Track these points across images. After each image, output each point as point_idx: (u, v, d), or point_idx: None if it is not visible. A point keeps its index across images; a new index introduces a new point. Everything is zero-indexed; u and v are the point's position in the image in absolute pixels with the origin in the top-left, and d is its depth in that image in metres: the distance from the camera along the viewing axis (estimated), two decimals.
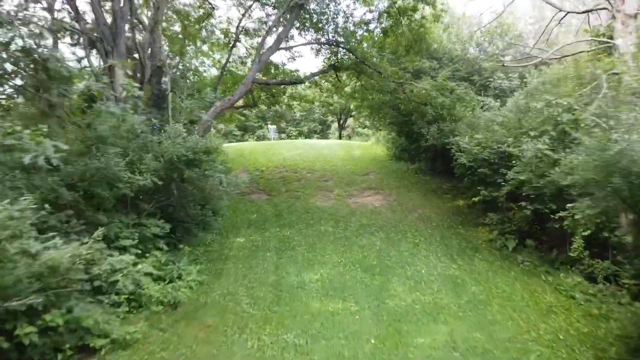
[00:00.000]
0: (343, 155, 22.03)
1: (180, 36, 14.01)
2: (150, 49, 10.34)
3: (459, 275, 9.29)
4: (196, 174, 8.19)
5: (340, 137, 38.25)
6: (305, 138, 43.84)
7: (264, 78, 15.37)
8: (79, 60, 9.19)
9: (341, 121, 38.46)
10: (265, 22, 12.75)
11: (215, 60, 18.11)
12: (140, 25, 11.35)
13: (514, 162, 10.31)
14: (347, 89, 17.73)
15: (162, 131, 9.12)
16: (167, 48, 17.96)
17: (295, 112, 43.87)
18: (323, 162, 20.13)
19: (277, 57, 16.18)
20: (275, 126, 39.44)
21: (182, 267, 8.46)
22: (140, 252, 7.66)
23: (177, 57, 17.98)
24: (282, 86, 15.49)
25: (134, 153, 8.19)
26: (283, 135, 44.48)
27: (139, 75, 10.94)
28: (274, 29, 12.72)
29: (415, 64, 13.90)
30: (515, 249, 10.89)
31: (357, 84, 16.18)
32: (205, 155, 8.01)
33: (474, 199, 12.20)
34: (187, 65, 17.55)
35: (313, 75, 14.34)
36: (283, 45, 13.23)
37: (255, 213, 13.86)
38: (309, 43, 14.05)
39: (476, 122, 13.75)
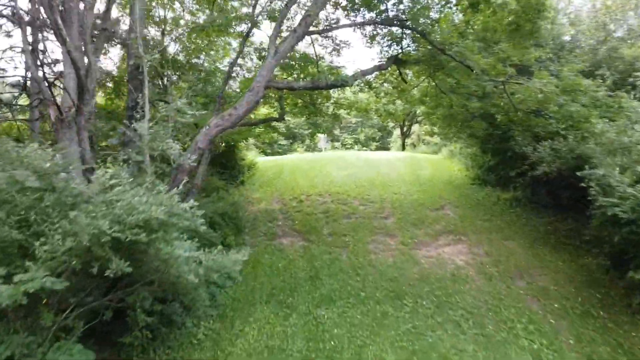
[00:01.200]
0: (408, 176, 17.82)
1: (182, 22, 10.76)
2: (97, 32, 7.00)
3: None
4: (138, 262, 4.62)
5: (403, 147, 33.79)
6: (362, 147, 39.91)
7: (289, 79, 11.60)
8: None
9: (404, 128, 33.95)
10: None
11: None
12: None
13: None
14: (415, 92, 13.55)
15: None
16: (186, 45, 15.12)
17: (350, 118, 40.10)
18: (381, 187, 16.10)
19: (312, 48, 12.12)
20: (326, 134, 35.90)
21: None
22: None
23: (202, 55, 15.01)
24: (316, 91, 11.56)
25: (40, 217, 4.79)
26: (337, 144, 40.81)
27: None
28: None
29: (526, 52, 9.43)
30: None
31: (430, 85, 11.90)
32: (151, 232, 4.41)
33: (631, 273, 7.60)
34: (208, 63, 14.41)
35: (365, 73, 10.16)
36: (315, 27, 9.39)
37: (282, 273, 10.23)
38: (357, 24, 10.01)
39: (619, 140, 9.12)
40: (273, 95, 13.65)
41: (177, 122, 6.38)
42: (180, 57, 15.61)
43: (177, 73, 15.96)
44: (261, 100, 8.15)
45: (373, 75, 11.72)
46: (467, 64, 8.70)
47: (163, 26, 14.82)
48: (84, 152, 6.09)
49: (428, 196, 14.81)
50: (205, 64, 15.43)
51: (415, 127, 35.31)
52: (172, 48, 15.88)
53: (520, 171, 12.57)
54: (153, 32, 14.88)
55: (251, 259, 11.00)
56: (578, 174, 8.57)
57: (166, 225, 4.50)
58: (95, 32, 9.03)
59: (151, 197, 4.78)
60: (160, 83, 15.68)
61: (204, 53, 14.83)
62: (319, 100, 13.33)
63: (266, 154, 35.16)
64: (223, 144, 18.99)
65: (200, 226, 5.01)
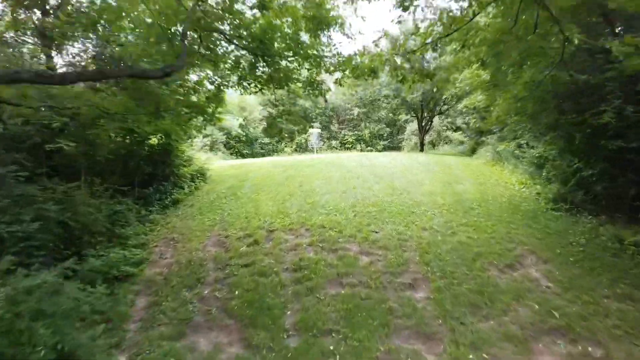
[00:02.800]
0: (441, 194, 11.81)
1: None
2: None
3: None
4: None
5: (422, 147, 27.49)
6: (367, 146, 33.75)
7: None
8: None
9: (423, 122, 27.55)
10: None
11: None
12: None
13: None
14: (484, 35, 7.12)
15: None
16: None
17: (352, 110, 33.89)
18: (399, 215, 10.09)
19: None
20: (318, 130, 29.73)
21: None
22: None
23: None
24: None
25: None
26: (334, 143, 34.60)
27: None
28: None
29: None
30: None
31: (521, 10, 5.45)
32: None
33: None
34: None
35: None
36: None
37: None
38: None
39: None
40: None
41: None
42: None
43: None
44: None
45: None
46: None
47: None
48: None
49: (486, 236, 8.73)
50: None
51: (435, 121, 29.12)
52: None
53: None
54: None
55: None
56: None
57: None
58: None
59: None
60: None
61: None
62: (278, 51, 7.19)
63: (243, 156, 29.14)
64: (155, 140, 13.03)
65: None
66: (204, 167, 15.10)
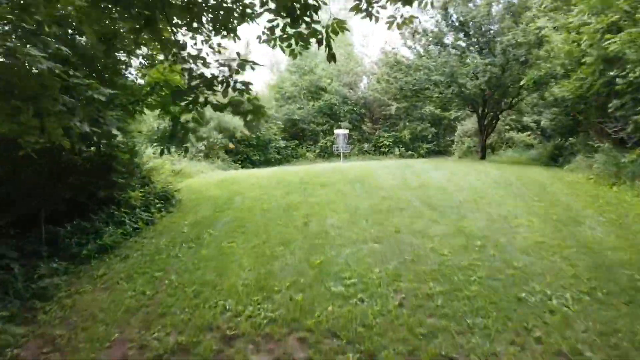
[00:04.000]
0: (558, 250, 6.81)
1: None
2: None
3: None
4: None
5: (483, 154, 21.76)
6: (407, 151, 28.77)
7: None
8: None
9: (486, 120, 21.49)
10: None
11: None
12: None
13: None
14: None
15: None
16: None
17: (389, 105, 28.95)
18: (490, 304, 5.21)
19: None
20: (346, 132, 24.84)
21: None
22: None
23: None
24: None
25: None
26: (367, 146, 29.73)
27: None
28: None
29: None
30: None
31: None
32: None
33: None
34: None
35: None
36: None
37: None
38: None
39: None
40: None
41: None
42: None
43: None
44: None
45: None
46: None
47: None
48: None
49: None
50: None
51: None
52: None
53: None
54: None
55: None
56: None
57: None
58: None
59: None
60: None
61: None
62: None
63: (253, 164, 24.70)
64: (93, 149, 8.83)
65: None
66: (169, 187, 10.63)
